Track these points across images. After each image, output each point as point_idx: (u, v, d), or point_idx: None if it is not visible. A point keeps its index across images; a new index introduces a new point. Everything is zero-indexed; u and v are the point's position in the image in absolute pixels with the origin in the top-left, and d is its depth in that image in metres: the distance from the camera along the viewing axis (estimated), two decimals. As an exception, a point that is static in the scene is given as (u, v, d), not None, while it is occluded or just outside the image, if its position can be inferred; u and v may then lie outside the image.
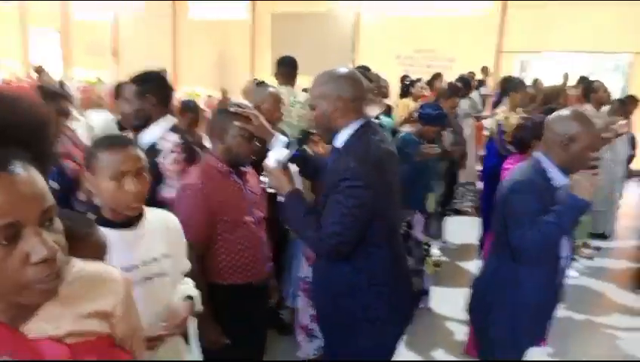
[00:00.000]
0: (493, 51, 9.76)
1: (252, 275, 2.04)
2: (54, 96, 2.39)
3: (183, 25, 13.24)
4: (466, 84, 5.87)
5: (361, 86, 1.77)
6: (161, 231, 1.48)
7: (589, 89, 4.08)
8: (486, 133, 5.58)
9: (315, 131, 1.93)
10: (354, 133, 1.73)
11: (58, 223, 0.75)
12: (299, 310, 2.93)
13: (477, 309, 2.12)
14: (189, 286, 1.59)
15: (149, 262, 1.40)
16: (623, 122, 4.23)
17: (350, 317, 1.77)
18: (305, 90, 3.82)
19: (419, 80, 6.58)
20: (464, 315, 2.27)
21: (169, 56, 12.75)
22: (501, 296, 1.99)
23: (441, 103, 4.15)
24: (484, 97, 7.83)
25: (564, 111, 1.94)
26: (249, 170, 2.08)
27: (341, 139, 1.75)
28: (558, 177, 1.89)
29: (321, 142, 2.49)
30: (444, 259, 4.61)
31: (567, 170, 1.87)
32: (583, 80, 5.37)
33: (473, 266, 4.16)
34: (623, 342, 3.37)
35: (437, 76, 7.04)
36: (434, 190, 3.75)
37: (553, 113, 1.99)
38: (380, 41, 10.55)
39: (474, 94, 6.90)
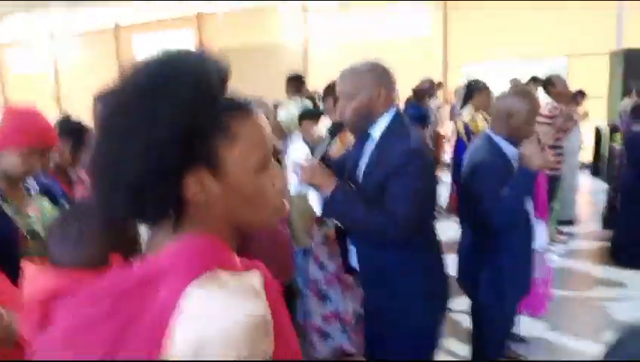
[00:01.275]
0: (440, 67, 10.28)
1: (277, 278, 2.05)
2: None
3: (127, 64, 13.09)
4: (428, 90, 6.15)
5: (393, 74, 1.82)
6: None
7: (548, 83, 4.39)
8: (450, 135, 5.85)
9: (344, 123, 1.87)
10: (393, 119, 1.76)
11: None
12: (309, 311, 2.93)
13: (464, 278, 2.37)
14: None
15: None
16: (580, 111, 4.57)
17: (408, 299, 1.77)
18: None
19: None
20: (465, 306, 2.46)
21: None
22: (481, 263, 2.24)
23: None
24: (436, 109, 8.23)
25: (508, 91, 2.25)
26: None
27: (380, 127, 1.76)
28: (507, 148, 2.16)
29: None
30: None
31: (513, 141, 2.15)
32: (535, 80, 5.74)
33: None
34: (610, 310, 3.63)
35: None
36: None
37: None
38: (330, 67, 10.82)
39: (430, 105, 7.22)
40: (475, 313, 2.38)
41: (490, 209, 2.04)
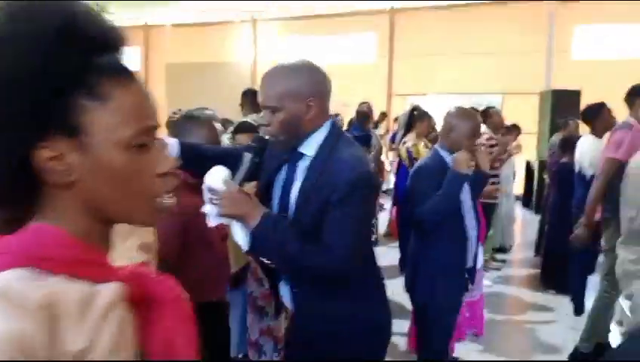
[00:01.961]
0: (385, 95, 10.62)
1: (215, 293, 1.97)
2: None
3: None
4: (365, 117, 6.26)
5: (328, 79, 1.55)
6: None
7: (485, 115, 4.62)
8: (392, 160, 5.99)
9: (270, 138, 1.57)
10: (329, 134, 1.50)
11: None
12: (248, 326, 2.84)
13: (407, 282, 2.52)
14: None
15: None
16: (514, 144, 4.83)
17: (351, 339, 1.57)
18: None
19: (335, 115, 6.80)
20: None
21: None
22: (419, 267, 2.42)
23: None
24: (379, 138, 8.47)
25: (451, 110, 2.42)
26: None
27: (313, 143, 1.49)
28: (449, 158, 2.32)
29: None
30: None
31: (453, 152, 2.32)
32: (474, 110, 6.04)
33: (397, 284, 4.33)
34: (540, 333, 3.79)
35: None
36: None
37: None
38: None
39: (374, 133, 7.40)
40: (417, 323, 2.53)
41: (422, 207, 2.22)
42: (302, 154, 1.51)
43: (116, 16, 11.39)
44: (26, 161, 0.56)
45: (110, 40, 0.61)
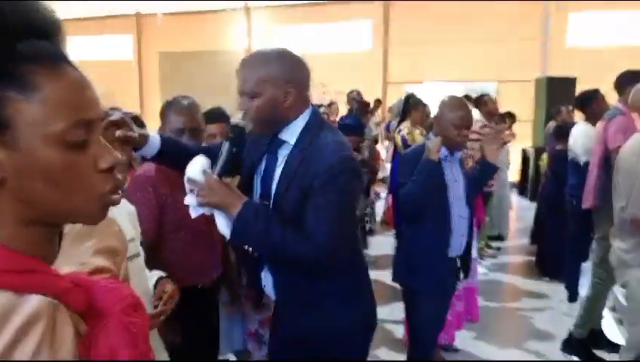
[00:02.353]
0: (381, 83, 10.57)
1: (199, 279, 1.95)
2: None
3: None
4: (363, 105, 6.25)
5: (307, 66, 1.54)
6: (124, 216, 1.39)
7: (479, 102, 4.60)
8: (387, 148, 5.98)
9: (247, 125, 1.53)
10: (309, 121, 1.49)
11: None
12: (246, 317, 2.81)
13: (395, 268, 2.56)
14: (157, 272, 1.50)
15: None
16: (508, 132, 4.82)
17: (335, 328, 1.56)
18: None
19: (330, 104, 6.77)
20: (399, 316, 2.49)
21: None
22: (402, 252, 2.51)
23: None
24: (375, 126, 8.44)
25: (444, 99, 2.43)
26: None
27: (294, 130, 1.48)
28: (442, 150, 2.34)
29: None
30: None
31: (445, 144, 2.32)
32: (468, 98, 6.01)
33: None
34: (534, 320, 3.80)
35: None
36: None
37: None
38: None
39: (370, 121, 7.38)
40: (406, 310, 2.52)
41: (402, 194, 2.30)
42: (283, 142, 1.50)
43: (108, 5, 11.28)
44: None
45: (39, 26, 0.56)
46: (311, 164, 1.41)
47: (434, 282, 2.35)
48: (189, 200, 1.39)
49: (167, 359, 1.77)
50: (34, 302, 0.54)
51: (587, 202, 3.38)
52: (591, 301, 3.22)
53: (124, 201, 1.49)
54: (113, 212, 1.33)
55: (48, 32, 0.57)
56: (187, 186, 1.38)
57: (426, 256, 2.33)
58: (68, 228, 0.67)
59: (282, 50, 1.49)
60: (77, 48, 12.87)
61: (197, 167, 1.37)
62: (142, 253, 1.44)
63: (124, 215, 1.41)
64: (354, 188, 1.48)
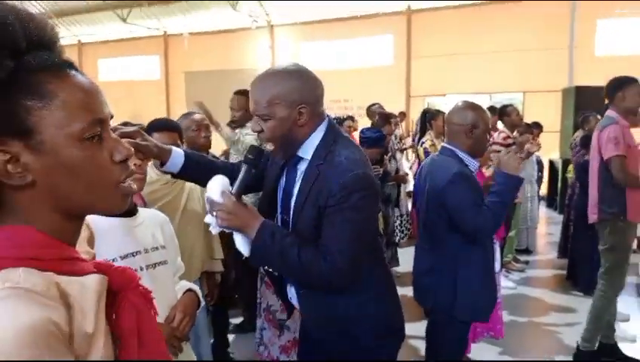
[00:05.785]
0: (404, 97, 10.55)
1: None
2: None
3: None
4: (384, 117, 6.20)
5: (319, 81, 1.50)
6: (155, 225, 1.45)
7: (503, 113, 4.53)
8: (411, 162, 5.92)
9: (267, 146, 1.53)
10: (325, 136, 1.47)
11: None
12: (267, 343, 2.78)
13: (420, 295, 2.30)
14: (187, 283, 1.52)
15: (151, 250, 1.35)
16: (532, 142, 4.71)
17: (361, 340, 1.56)
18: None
19: (350, 118, 6.78)
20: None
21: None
22: (439, 279, 2.14)
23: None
24: (399, 139, 8.40)
25: (459, 105, 2.20)
26: None
27: (310, 146, 1.47)
28: (470, 162, 2.13)
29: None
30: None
31: (472, 155, 2.12)
32: (492, 109, 5.94)
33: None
34: (562, 336, 3.69)
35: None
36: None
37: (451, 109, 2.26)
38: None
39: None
40: (429, 332, 2.32)
41: (476, 217, 1.97)
42: (301, 158, 1.50)
43: (136, 26, 11.64)
44: None
45: (41, 38, 0.62)
46: (325, 181, 1.40)
47: (486, 300, 2.17)
48: (209, 219, 1.41)
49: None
50: (96, 281, 0.64)
51: (593, 216, 3.20)
52: (596, 313, 3.16)
53: (155, 211, 1.56)
54: (145, 218, 1.38)
55: (49, 41, 0.63)
56: (207, 206, 1.40)
57: (477, 277, 2.12)
58: None
59: (292, 68, 1.45)
60: (108, 70, 13.34)
61: (216, 188, 1.38)
62: (169, 261, 1.47)
63: (155, 223, 1.49)
64: (369, 205, 1.44)
